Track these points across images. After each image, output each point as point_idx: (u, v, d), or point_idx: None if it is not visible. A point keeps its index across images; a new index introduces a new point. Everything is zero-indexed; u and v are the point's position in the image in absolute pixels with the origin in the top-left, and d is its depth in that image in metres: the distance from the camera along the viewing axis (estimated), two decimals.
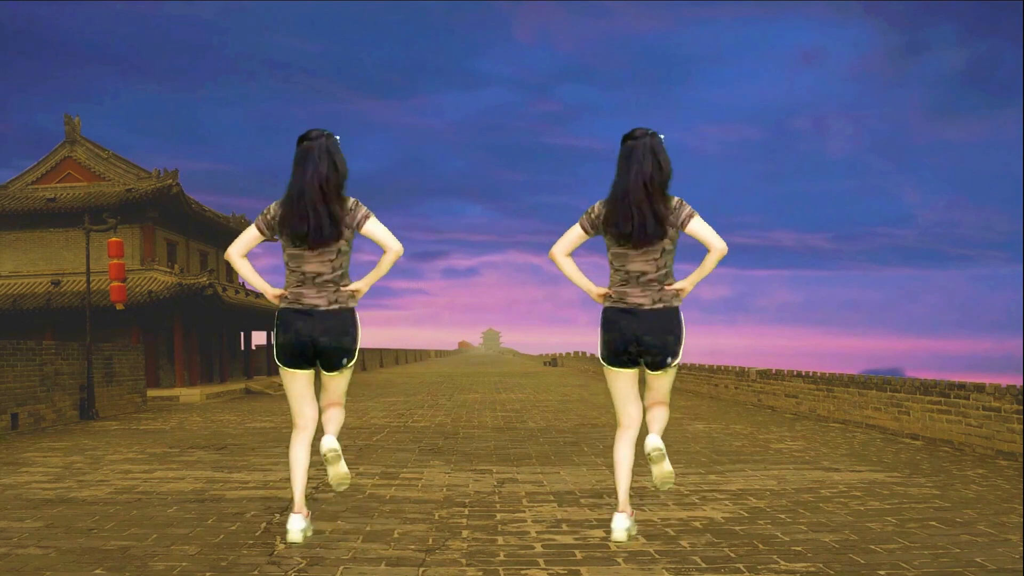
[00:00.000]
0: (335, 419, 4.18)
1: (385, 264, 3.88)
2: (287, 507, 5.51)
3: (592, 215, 3.98)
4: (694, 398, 17.27)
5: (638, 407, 4.22)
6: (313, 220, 3.76)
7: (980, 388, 8.27)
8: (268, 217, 3.85)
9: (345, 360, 3.91)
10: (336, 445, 4.01)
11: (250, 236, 3.88)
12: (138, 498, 5.99)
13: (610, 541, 4.33)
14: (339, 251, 3.84)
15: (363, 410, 15.33)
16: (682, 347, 4.00)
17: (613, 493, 5.94)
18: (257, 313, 28.75)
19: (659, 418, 4.23)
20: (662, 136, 3.97)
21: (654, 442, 4.08)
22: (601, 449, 8.65)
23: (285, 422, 13.15)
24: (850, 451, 8.28)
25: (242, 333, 30.95)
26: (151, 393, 20.10)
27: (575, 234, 4.02)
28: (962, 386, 8.59)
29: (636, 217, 3.85)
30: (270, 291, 3.91)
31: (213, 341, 27.57)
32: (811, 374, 12.62)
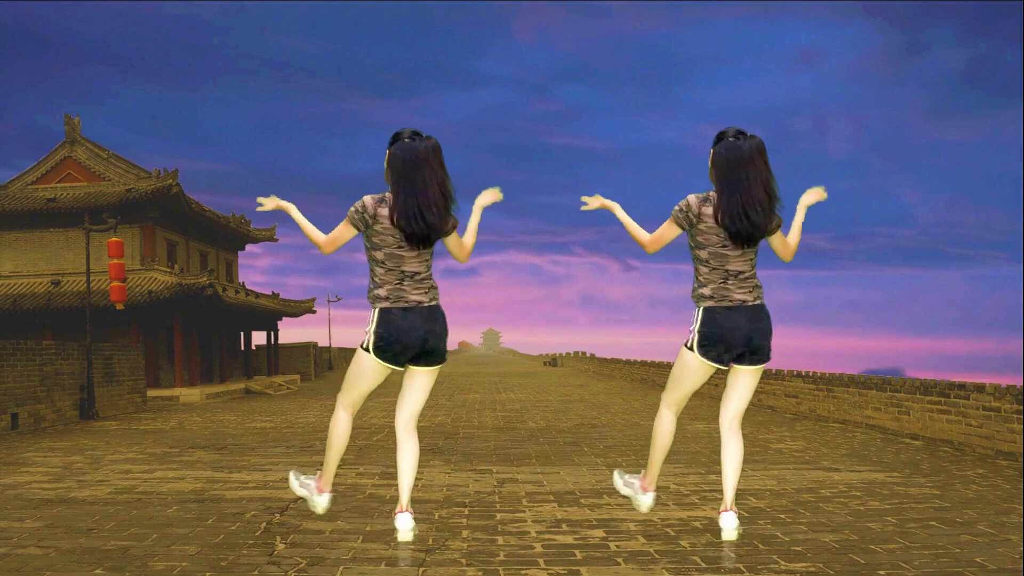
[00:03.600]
0: (411, 458, 4.05)
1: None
2: (287, 507, 5.51)
3: (689, 212, 3.97)
4: (694, 398, 17.27)
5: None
6: (434, 222, 3.83)
7: (980, 388, 8.27)
8: (365, 213, 3.88)
9: (445, 356, 4.01)
10: (410, 535, 4.03)
11: (345, 236, 3.91)
12: (138, 498, 5.99)
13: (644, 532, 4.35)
14: (431, 251, 3.95)
15: (363, 410, 15.34)
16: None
17: (614, 493, 5.94)
18: (257, 313, 28.75)
19: (734, 459, 4.16)
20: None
21: (730, 527, 4.13)
22: (601, 449, 8.65)
23: (285, 422, 13.15)
24: (850, 451, 8.28)
25: (242, 333, 30.93)
26: (151, 393, 20.10)
27: (671, 233, 4.01)
28: (962, 386, 8.59)
29: (755, 219, 3.85)
30: (279, 203, 3.94)
31: (213, 341, 27.56)
32: (811, 374, 12.62)
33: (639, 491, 4.35)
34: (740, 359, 4.10)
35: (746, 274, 3.96)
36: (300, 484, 4.46)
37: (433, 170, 3.83)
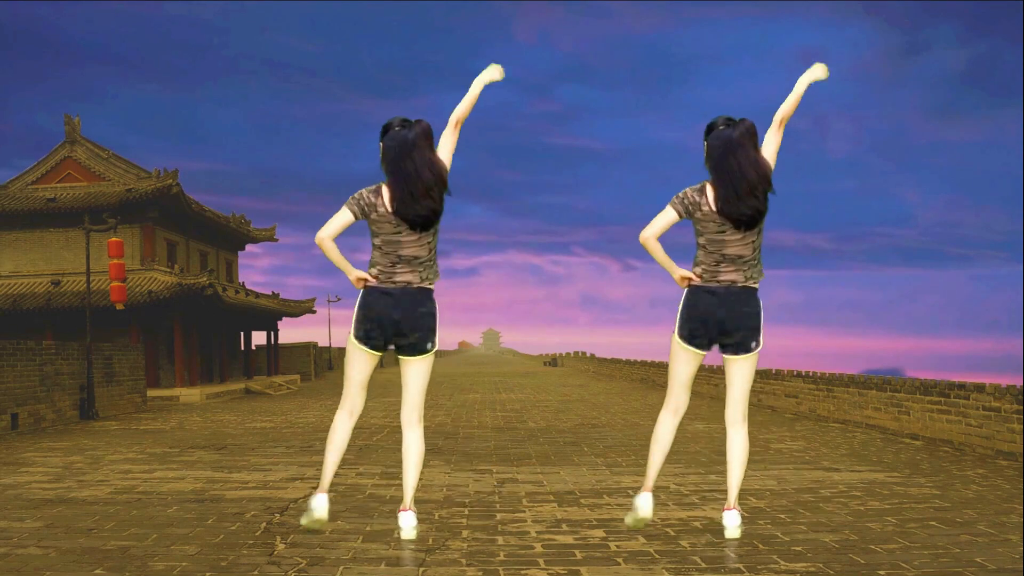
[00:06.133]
0: (413, 456, 4.06)
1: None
2: (287, 507, 5.51)
3: (686, 201, 3.97)
4: (694, 398, 17.24)
5: (688, 396, 4.27)
6: (431, 206, 3.83)
7: (980, 388, 8.27)
8: (363, 202, 3.88)
9: (429, 344, 3.94)
10: (412, 532, 4.10)
11: (343, 220, 3.88)
12: (138, 498, 5.99)
13: (624, 532, 4.35)
14: (434, 232, 3.94)
15: (364, 409, 15.32)
16: (762, 331, 3.99)
17: (614, 493, 5.95)
18: (257, 313, 28.75)
19: (737, 457, 4.08)
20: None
21: (732, 525, 4.11)
22: (601, 449, 8.65)
23: (285, 422, 13.15)
24: (850, 451, 8.28)
25: (242, 333, 30.94)
26: (151, 393, 20.10)
27: (667, 219, 4.01)
28: (962, 386, 8.59)
29: (752, 203, 3.86)
30: (353, 273, 3.96)
31: (213, 341, 27.57)
32: (811, 374, 12.62)
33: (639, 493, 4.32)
34: (725, 348, 4.08)
35: (746, 258, 3.94)
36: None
37: (423, 153, 3.83)
